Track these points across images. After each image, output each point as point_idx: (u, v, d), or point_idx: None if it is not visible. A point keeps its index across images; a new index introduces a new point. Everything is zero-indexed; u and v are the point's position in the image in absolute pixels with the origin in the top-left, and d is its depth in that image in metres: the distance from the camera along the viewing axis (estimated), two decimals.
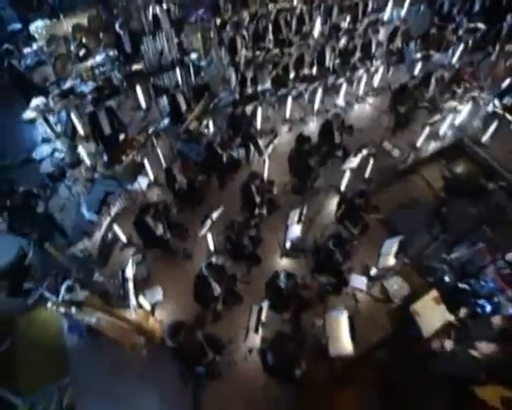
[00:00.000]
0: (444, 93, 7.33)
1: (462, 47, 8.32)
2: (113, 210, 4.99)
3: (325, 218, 5.78)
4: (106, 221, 4.93)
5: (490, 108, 7.43)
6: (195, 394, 4.39)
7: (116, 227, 5.09)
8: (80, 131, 5.88)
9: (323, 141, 5.94)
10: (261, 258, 5.08)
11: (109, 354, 4.67)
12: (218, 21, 8.04)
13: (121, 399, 4.46)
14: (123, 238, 5.27)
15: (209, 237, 4.97)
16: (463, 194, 6.68)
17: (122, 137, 5.69)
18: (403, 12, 10.03)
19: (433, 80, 7.19)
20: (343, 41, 7.54)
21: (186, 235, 5.23)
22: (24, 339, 5.13)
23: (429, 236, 6.07)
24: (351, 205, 5.14)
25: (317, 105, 7.23)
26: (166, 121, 6.17)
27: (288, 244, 5.21)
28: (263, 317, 3.96)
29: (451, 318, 4.63)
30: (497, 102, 7.41)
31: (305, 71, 7.16)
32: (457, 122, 7.46)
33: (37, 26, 7.61)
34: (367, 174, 6.22)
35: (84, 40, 7.50)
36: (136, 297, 4.49)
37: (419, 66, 8.16)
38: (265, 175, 5.86)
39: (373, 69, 7.72)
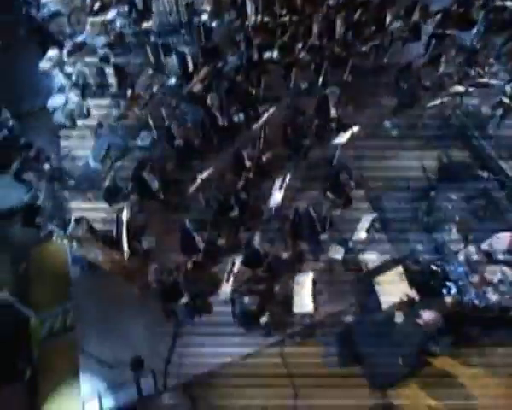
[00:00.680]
0: (453, 75, 7.18)
1: (484, 27, 7.95)
2: (117, 163, 5.47)
3: (311, 188, 6.11)
4: (110, 172, 5.45)
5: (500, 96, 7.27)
6: (175, 327, 5.09)
7: (118, 178, 5.63)
8: (91, 84, 6.26)
9: (319, 114, 6.10)
10: (246, 220, 5.52)
11: (105, 286, 5.36)
12: None
13: (113, 325, 5.20)
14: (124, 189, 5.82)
15: (200, 194, 5.44)
16: (455, 179, 6.79)
17: (129, 93, 6.05)
18: None
19: (443, 60, 7.06)
20: (356, 13, 7.38)
21: (179, 190, 5.69)
22: (36, 266, 5.92)
23: (412, 216, 6.33)
24: (335, 178, 5.43)
25: (321, 77, 7.27)
26: (173, 81, 6.47)
27: (272, 209, 5.62)
28: (235, 269, 4.49)
29: (412, 294, 5.02)
30: (509, 88, 7.22)
31: (314, 41, 7.15)
32: (464, 107, 7.35)
33: None
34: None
35: None
36: (130, 241, 5.08)
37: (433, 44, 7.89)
38: (261, 142, 6.16)
39: (385, 44, 7.57)
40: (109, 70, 5.63)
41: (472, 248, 5.58)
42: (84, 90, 6.18)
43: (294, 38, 7.02)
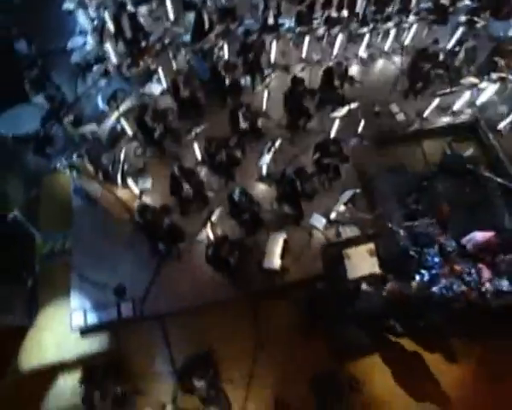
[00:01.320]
0: (470, 66, 6.96)
1: None
2: (122, 107, 5.85)
3: (302, 157, 6.31)
4: (115, 114, 5.85)
5: None
6: (157, 265, 5.60)
7: (124, 121, 6.03)
8: (110, 29, 6.57)
9: (322, 87, 6.18)
10: (234, 175, 5.83)
11: (103, 219, 5.94)
12: None
13: (105, 254, 5.76)
14: (129, 132, 6.23)
15: (196, 146, 5.78)
16: (455, 174, 6.71)
17: (143, 43, 6.33)
18: None
19: (462, 49, 6.84)
20: None
21: (178, 140, 6.05)
22: (46, 193, 6.54)
23: (401, 202, 6.41)
24: (323, 149, 5.59)
25: (336, 50, 7.24)
26: (187, 36, 6.67)
27: (263, 172, 5.90)
28: (213, 218, 4.86)
29: (378, 271, 5.23)
30: None
31: (333, 13, 7.07)
32: (479, 101, 7.14)
33: None
34: (360, 129, 6.46)
35: None
36: (125, 179, 5.54)
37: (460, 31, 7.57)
38: (264, 106, 6.36)
39: (407, 25, 7.37)
40: (125, 18, 5.89)
41: (449, 241, 5.66)
42: (103, 34, 6.52)
43: (313, 7, 6.96)
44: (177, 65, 6.53)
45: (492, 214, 6.34)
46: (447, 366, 5.36)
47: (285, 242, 5.03)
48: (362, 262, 5.23)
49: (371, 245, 5.31)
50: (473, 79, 6.62)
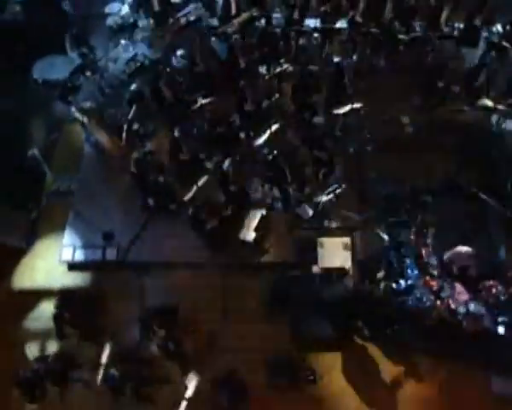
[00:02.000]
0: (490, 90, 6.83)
1: None
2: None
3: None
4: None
5: None
6: (145, 220, 6.01)
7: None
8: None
9: (331, 85, 6.35)
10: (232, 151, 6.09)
11: (105, 168, 6.48)
12: None
13: (101, 203, 6.27)
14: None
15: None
16: (452, 189, 6.60)
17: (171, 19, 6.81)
18: None
19: (485, 71, 6.74)
20: None
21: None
22: (64, 139, 7.16)
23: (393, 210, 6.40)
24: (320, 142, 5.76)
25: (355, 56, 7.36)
26: (215, 21, 7.09)
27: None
28: (199, 183, 5.19)
29: (349, 266, 5.31)
30: None
31: (357, 17, 7.21)
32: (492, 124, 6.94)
33: None
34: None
35: None
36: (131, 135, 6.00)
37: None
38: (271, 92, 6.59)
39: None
40: None
41: (431, 256, 5.61)
42: (137, 4, 7.06)
43: (339, 8, 7.13)
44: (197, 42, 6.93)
45: (488, 243, 6.18)
46: (407, 381, 5.19)
47: (264, 217, 5.23)
48: (335, 254, 5.32)
49: (347, 239, 5.39)
50: (488, 102, 6.53)
